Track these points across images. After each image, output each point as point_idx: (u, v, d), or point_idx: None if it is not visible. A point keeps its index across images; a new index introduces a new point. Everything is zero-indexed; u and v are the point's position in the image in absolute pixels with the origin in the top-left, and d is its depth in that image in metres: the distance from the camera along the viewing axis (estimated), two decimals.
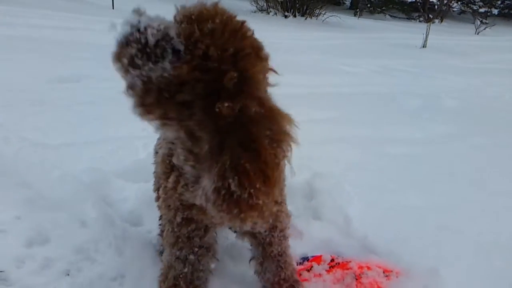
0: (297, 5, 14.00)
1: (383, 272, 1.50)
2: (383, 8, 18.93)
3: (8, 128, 2.65)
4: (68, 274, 1.62)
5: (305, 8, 14.24)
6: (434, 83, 6.10)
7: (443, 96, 4.64)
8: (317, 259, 1.54)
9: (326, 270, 1.48)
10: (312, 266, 1.50)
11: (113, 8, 10.74)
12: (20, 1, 8.57)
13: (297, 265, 1.54)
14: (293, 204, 2.03)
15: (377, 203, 2.00)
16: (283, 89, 4.46)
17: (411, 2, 18.50)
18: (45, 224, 1.79)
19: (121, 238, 1.68)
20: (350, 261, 1.53)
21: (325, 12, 14.31)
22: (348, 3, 20.68)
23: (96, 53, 4.39)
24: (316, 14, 14.38)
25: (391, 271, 1.51)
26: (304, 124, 3.70)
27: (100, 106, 3.20)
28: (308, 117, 3.61)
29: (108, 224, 1.73)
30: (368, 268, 1.50)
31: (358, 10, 18.05)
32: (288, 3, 13.98)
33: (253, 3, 15.08)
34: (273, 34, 10.56)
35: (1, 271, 1.64)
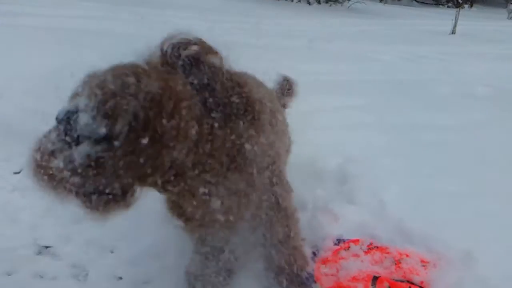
0: None
1: (421, 262, 1.51)
2: None
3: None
4: (112, 252, 1.70)
5: None
6: (464, 69, 5.95)
7: (474, 83, 4.54)
8: (355, 241, 1.56)
9: (364, 252, 1.51)
10: (349, 247, 1.53)
11: None
12: None
13: (333, 245, 1.57)
14: (325, 188, 2.06)
15: (411, 188, 2.00)
16: (311, 76, 4.49)
17: None
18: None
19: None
20: (388, 247, 1.55)
21: None
22: None
23: (125, 43, 4.47)
24: (341, 1, 14.15)
25: (429, 262, 1.52)
26: (334, 111, 3.70)
27: None
28: (338, 104, 3.61)
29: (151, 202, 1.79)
30: (407, 255, 1.51)
31: None
32: None
33: None
34: (297, 22, 10.47)
35: (50, 247, 1.73)
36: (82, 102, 0.87)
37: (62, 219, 1.90)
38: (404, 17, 13.11)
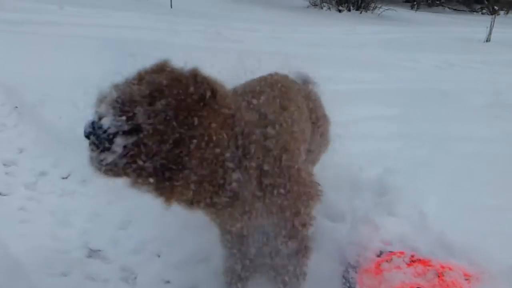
0: None
1: (464, 276, 1.51)
2: (442, 0, 18.12)
3: None
4: (159, 256, 1.77)
5: (360, 2, 13.94)
6: (500, 79, 5.82)
7: (509, 93, 4.44)
8: (397, 253, 1.58)
9: (406, 264, 1.52)
10: (392, 259, 1.55)
11: (171, 7, 11.10)
12: (87, 3, 9.07)
13: (375, 257, 1.59)
14: (364, 199, 2.08)
15: (451, 201, 1.99)
16: (343, 85, 4.52)
17: None
18: (136, 208, 1.95)
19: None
20: (431, 260, 1.56)
21: (380, 6, 13.94)
22: None
23: (160, 52, 4.60)
24: (372, 8, 14.05)
25: (472, 276, 1.52)
26: (368, 121, 3.70)
27: None
28: (372, 114, 3.61)
29: None
30: (450, 268, 1.51)
31: (415, 3, 17.41)
32: None
33: None
34: (328, 29, 10.47)
35: (100, 250, 1.82)
36: (103, 109, 1.06)
37: (110, 223, 1.99)
38: (436, 24, 12.90)
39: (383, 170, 2.20)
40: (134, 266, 1.71)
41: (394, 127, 3.18)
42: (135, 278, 1.66)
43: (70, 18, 6.71)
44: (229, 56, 5.59)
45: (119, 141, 1.04)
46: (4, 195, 2.25)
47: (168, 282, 1.63)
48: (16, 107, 3.23)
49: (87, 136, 1.06)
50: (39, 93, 3.23)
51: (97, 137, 1.04)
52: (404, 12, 15.27)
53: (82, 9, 7.99)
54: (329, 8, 14.18)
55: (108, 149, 1.04)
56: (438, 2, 18.07)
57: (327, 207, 2.01)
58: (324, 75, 5.42)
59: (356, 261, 1.58)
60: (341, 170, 2.28)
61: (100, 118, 1.05)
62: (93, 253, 1.81)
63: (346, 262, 1.60)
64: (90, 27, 6.26)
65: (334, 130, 2.98)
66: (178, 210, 1.91)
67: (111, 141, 1.04)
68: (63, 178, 2.43)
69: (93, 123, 1.05)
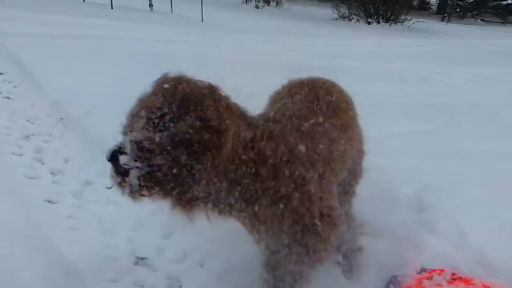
0: (381, 11, 13.71)
1: None
2: (474, 12, 17.81)
3: None
4: (202, 265, 1.84)
5: (389, 14, 13.89)
6: None
7: None
8: (438, 271, 1.59)
9: (447, 282, 1.53)
10: (432, 276, 1.56)
11: (202, 21, 11.39)
12: (127, 17, 9.42)
13: (415, 274, 1.60)
14: (401, 215, 2.09)
15: (491, 218, 1.98)
16: (374, 98, 4.54)
17: (507, 5, 17.20)
18: (178, 218, 2.03)
19: None
20: (472, 278, 1.56)
21: (410, 18, 13.85)
22: (434, 7, 19.78)
23: (196, 65, 4.74)
24: (401, 20, 13.97)
25: None
26: (402, 135, 3.70)
27: None
28: (405, 128, 3.61)
29: None
30: None
31: (446, 15, 17.19)
32: (372, 9, 13.74)
33: (334, 10, 15.05)
34: (357, 42, 10.48)
35: (146, 258, 1.91)
36: (125, 143, 1.15)
37: (154, 233, 2.08)
38: (468, 37, 12.70)
39: (421, 187, 2.21)
40: (179, 275, 1.78)
41: (428, 142, 3.17)
42: (180, 286, 1.73)
43: (112, 32, 6.98)
44: (260, 68, 5.72)
45: (134, 174, 1.13)
46: (53, 203, 2.37)
47: None
48: (62, 118, 3.40)
49: (109, 160, 1.16)
50: (83, 105, 3.39)
51: (116, 166, 1.14)
52: (435, 24, 15.11)
53: (122, 23, 8.29)
54: (358, 20, 14.20)
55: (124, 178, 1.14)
56: (469, 13, 17.77)
57: (360, 220, 2.04)
58: (355, 88, 5.44)
59: (397, 278, 1.61)
60: (377, 186, 2.30)
61: (120, 151, 1.13)
62: (139, 260, 1.89)
63: (387, 278, 1.62)
64: (130, 41, 6.51)
65: (368, 145, 3.01)
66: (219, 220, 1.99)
67: (127, 173, 1.14)
68: (108, 188, 2.53)
69: (113, 152, 1.14)
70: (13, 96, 3.97)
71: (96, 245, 1.95)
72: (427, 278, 1.56)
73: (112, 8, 10.67)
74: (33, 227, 1.93)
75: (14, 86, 4.19)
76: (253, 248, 1.80)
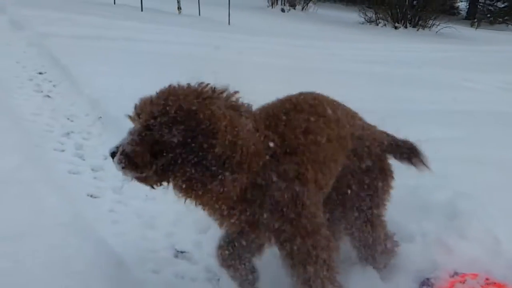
0: (409, 15, 13.59)
1: None
2: (506, 17, 17.43)
3: None
4: None
5: (417, 18, 13.76)
6: None
7: None
8: (471, 275, 1.62)
9: (481, 286, 1.57)
10: (466, 280, 1.60)
11: (229, 24, 11.55)
12: (153, 19, 9.63)
13: (449, 277, 1.64)
14: (433, 221, 2.12)
15: None
16: (403, 104, 4.55)
17: None
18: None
19: None
20: (506, 284, 1.59)
21: (439, 23, 13.68)
22: (464, 12, 19.44)
23: (228, 69, 4.86)
24: (429, 25, 13.81)
25: None
26: (431, 142, 3.70)
27: None
28: (434, 135, 3.61)
29: None
30: None
31: (475, 20, 16.88)
32: (399, 14, 13.63)
33: (361, 14, 14.99)
34: (383, 46, 10.43)
35: (185, 252, 2.00)
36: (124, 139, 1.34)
37: (191, 227, 2.17)
38: (498, 43, 12.46)
39: (452, 193, 2.23)
40: (217, 268, 1.86)
41: (457, 149, 3.16)
42: (218, 279, 1.82)
43: (143, 35, 7.17)
44: (285, 72, 5.78)
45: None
46: (95, 197, 2.50)
47: None
48: (100, 117, 3.55)
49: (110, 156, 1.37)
50: (120, 105, 3.51)
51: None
52: (464, 30, 14.85)
53: (152, 26, 8.50)
54: (385, 25, 14.10)
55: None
56: (500, 19, 17.39)
57: (395, 228, 2.08)
58: (382, 94, 5.48)
59: (429, 280, 1.65)
60: (408, 191, 2.34)
61: (116, 151, 1.35)
62: (179, 254, 1.99)
63: (420, 281, 1.66)
64: (161, 43, 6.67)
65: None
66: None
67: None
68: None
69: (113, 153, 1.36)
70: (53, 95, 4.15)
71: (137, 238, 2.06)
72: (460, 282, 1.60)
73: (142, 10, 10.92)
74: (80, 220, 2.04)
75: (54, 85, 4.38)
76: None
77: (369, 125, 1.78)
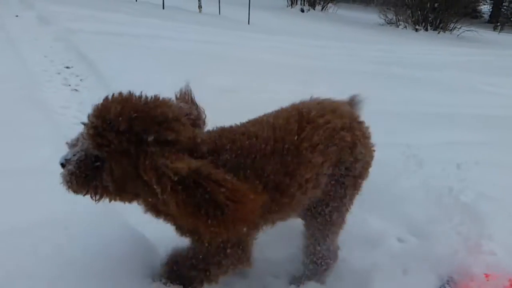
0: (430, 18, 13.46)
1: None
2: None
3: None
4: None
5: (438, 21, 13.62)
6: None
7: None
8: (494, 276, 1.65)
9: (504, 286, 1.59)
10: (489, 279, 1.63)
11: (248, 23, 11.62)
12: (174, 17, 9.77)
13: (473, 276, 1.67)
14: (458, 223, 2.14)
15: None
16: (423, 107, 4.54)
17: None
18: None
19: None
20: None
21: (460, 26, 13.52)
22: (486, 16, 19.15)
23: (245, 67, 4.92)
24: (451, 28, 13.66)
25: None
26: (451, 145, 3.71)
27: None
28: (454, 138, 3.62)
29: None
30: None
31: (498, 24, 16.62)
32: (420, 16, 13.51)
33: (381, 15, 14.90)
34: (403, 48, 10.36)
35: None
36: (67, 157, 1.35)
37: None
38: None
39: (476, 195, 2.25)
40: None
41: (481, 152, 3.17)
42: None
43: (165, 32, 7.29)
44: (303, 72, 5.82)
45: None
46: None
47: (276, 277, 1.84)
48: None
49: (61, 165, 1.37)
50: None
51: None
52: (486, 34, 14.64)
53: (173, 24, 8.63)
54: (405, 27, 14.00)
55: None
56: None
57: (418, 228, 2.12)
58: (402, 96, 5.46)
59: (453, 278, 1.68)
60: (430, 192, 2.37)
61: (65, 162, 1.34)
62: None
63: (444, 278, 1.70)
64: (182, 41, 6.77)
65: (417, 152, 3.07)
66: None
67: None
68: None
69: (62, 164, 1.36)
70: (80, 88, 4.27)
71: (167, 225, 2.13)
72: (484, 282, 1.63)
73: (163, 8, 11.07)
74: (112, 208, 2.12)
75: (81, 80, 4.50)
76: None
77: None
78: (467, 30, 13.51)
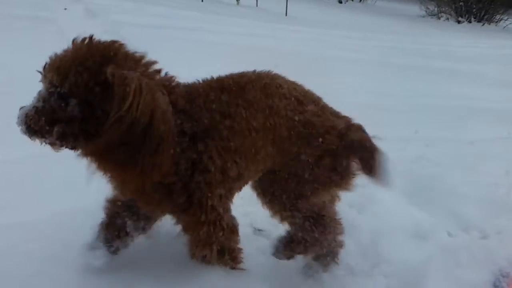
0: (474, 9, 12.99)
1: None
2: None
3: None
4: None
5: (483, 13, 13.12)
6: None
7: None
8: None
9: None
10: None
11: (286, 15, 11.60)
12: (213, 9, 9.89)
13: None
14: (508, 219, 2.15)
15: None
16: (465, 101, 4.47)
17: None
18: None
19: None
20: None
21: (507, 18, 12.98)
22: None
23: (284, 60, 4.96)
24: (496, 20, 13.13)
25: None
26: (499, 141, 3.63)
27: None
28: (502, 134, 3.56)
29: None
30: None
31: None
32: (463, 8, 13.06)
33: (422, 7, 14.51)
34: (445, 41, 10.08)
35: (262, 230, 2.16)
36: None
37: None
38: None
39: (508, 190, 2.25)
40: None
41: None
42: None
43: (205, 25, 7.42)
44: (342, 64, 5.77)
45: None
46: None
47: None
48: None
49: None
50: None
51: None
52: None
53: (212, 16, 8.75)
54: (448, 19, 13.58)
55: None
56: None
57: (470, 224, 2.13)
58: (448, 90, 5.35)
59: (509, 273, 1.70)
60: (481, 188, 2.37)
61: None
62: (257, 231, 2.14)
63: (497, 272, 1.71)
64: (222, 34, 6.89)
65: (467, 150, 3.05)
66: None
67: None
68: None
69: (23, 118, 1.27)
70: None
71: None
72: None
73: (202, 1, 11.22)
74: None
75: None
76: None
77: (328, 113, 1.56)
78: None
